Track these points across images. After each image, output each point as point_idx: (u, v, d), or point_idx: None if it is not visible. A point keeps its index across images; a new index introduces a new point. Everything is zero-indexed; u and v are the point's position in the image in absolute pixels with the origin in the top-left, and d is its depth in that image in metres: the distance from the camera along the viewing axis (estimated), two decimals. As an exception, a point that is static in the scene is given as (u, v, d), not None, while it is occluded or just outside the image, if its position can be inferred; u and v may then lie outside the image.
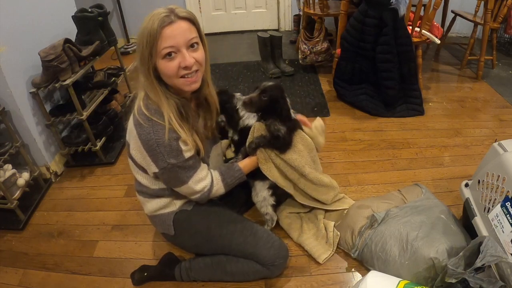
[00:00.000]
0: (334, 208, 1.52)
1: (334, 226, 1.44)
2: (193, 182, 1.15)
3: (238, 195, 1.50)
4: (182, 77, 1.04)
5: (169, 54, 0.99)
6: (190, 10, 3.97)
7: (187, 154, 1.10)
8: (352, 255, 1.33)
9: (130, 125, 1.09)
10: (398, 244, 1.24)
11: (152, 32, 0.95)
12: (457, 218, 1.42)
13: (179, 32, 0.97)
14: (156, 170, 1.09)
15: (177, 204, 1.25)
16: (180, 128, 1.06)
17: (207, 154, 1.29)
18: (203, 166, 1.19)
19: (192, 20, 1.01)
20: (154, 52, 0.98)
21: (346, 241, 1.38)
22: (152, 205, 1.25)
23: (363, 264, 1.33)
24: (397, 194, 1.51)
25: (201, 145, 1.15)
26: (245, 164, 1.29)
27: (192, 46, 1.02)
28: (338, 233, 1.41)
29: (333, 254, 1.38)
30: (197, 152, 1.15)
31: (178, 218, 1.25)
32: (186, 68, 1.02)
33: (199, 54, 1.04)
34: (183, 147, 1.08)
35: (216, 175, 1.23)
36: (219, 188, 1.22)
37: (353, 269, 1.34)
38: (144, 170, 1.15)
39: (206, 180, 1.19)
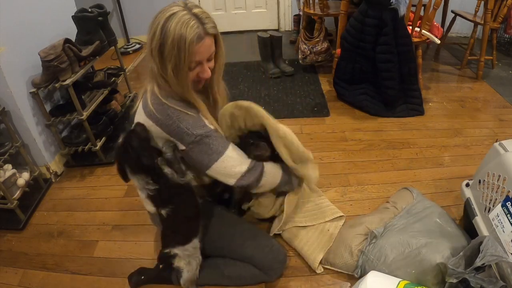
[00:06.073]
0: (331, 218, 1.49)
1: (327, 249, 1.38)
2: (230, 151, 1.09)
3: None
4: (195, 81, 1.07)
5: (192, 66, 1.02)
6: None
7: (211, 126, 1.09)
8: (356, 275, 1.28)
9: (141, 117, 1.07)
10: (401, 255, 1.21)
11: (183, 45, 0.95)
12: (454, 218, 1.42)
13: (205, 49, 1.01)
14: (183, 148, 1.06)
15: None
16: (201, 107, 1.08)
17: None
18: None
19: (216, 35, 1.03)
20: (183, 61, 0.99)
21: (346, 263, 1.30)
22: None
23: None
24: (388, 206, 1.48)
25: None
26: None
27: (209, 58, 1.05)
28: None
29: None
30: None
31: None
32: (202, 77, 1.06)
33: (212, 63, 1.08)
34: (205, 120, 1.08)
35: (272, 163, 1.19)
36: (275, 175, 1.19)
37: (353, 269, 1.34)
38: None
39: (246, 157, 1.13)
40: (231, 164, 1.09)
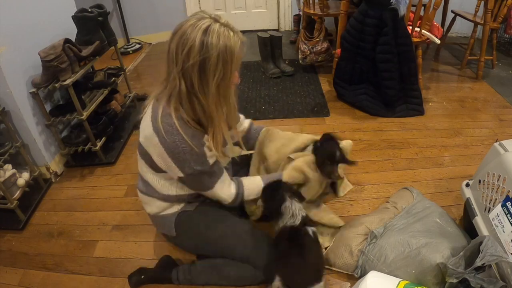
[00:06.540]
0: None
1: (327, 247, 1.39)
2: (218, 188, 1.19)
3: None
4: None
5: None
6: (190, 9, 3.98)
7: (211, 160, 1.12)
8: (356, 275, 1.28)
9: (148, 130, 1.06)
10: (401, 255, 1.21)
11: (229, 57, 0.97)
12: (454, 218, 1.42)
13: (242, 56, 1.04)
14: (182, 175, 1.11)
15: (180, 206, 1.26)
16: (211, 139, 1.09)
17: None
18: (226, 173, 1.22)
19: None
20: (228, 73, 1.00)
21: (346, 262, 1.30)
22: (156, 206, 1.25)
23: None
24: (388, 205, 1.48)
25: (222, 153, 1.18)
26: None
27: None
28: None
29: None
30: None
31: (179, 219, 1.25)
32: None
33: None
34: (207, 153, 1.10)
35: (251, 179, 1.31)
36: (253, 188, 1.27)
37: (353, 269, 1.34)
38: (161, 174, 1.18)
39: (231, 186, 1.23)
40: (216, 197, 1.24)
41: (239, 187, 1.26)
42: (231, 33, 0.97)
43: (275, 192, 1.22)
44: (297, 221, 1.17)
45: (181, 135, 1.02)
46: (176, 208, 1.25)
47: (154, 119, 1.04)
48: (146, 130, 1.07)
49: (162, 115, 1.03)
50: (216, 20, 0.97)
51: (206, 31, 0.94)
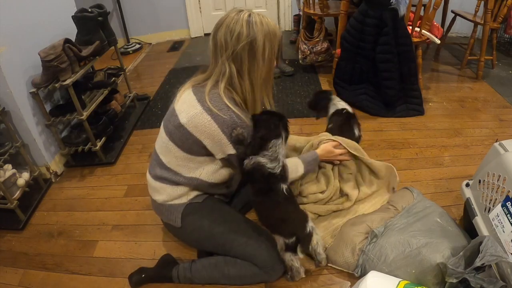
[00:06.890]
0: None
1: (327, 246, 1.38)
2: None
3: (241, 195, 1.50)
4: None
5: None
6: (190, 9, 3.97)
7: None
8: (356, 274, 1.28)
9: (195, 110, 1.09)
10: (401, 255, 1.21)
11: (273, 36, 1.10)
12: (454, 218, 1.42)
13: (281, 43, 1.17)
14: (233, 152, 1.14)
15: (190, 196, 1.26)
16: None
17: None
18: None
19: None
20: (275, 50, 1.12)
21: (347, 261, 1.30)
22: (167, 193, 1.25)
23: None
24: (389, 206, 1.48)
25: None
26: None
27: None
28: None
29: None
30: None
31: (187, 210, 1.25)
32: None
33: None
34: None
35: (293, 159, 1.33)
36: (298, 169, 1.31)
37: (353, 269, 1.34)
38: (193, 157, 1.19)
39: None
40: None
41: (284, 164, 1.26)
42: (269, 20, 1.10)
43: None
44: (277, 169, 1.12)
45: (235, 112, 1.10)
46: (185, 198, 1.25)
47: (201, 100, 1.10)
48: (191, 110, 1.10)
49: (210, 96, 1.09)
50: (252, 12, 1.10)
51: (249, 18, 1.06)
